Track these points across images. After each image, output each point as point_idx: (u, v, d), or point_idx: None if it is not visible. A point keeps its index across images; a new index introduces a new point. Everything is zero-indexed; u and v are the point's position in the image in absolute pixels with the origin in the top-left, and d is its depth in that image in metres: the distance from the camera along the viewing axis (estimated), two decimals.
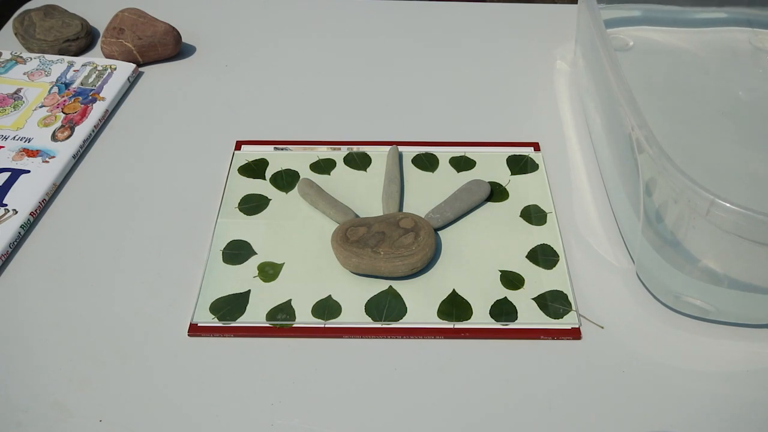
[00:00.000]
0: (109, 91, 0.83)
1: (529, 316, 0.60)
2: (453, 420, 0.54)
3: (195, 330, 0.59)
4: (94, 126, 0.79)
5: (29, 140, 0.76)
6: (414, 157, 0.75)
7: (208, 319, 0.60)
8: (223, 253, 0.65)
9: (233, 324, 0.59)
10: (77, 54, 0.91)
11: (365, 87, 0.86)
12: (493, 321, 0.60)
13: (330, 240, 0.66)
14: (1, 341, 0.59)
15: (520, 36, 0.94)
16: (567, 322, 0.60)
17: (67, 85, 0.84)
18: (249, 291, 0.62)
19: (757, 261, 0.53)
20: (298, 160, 0.75)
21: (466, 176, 0.73)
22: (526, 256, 0.65)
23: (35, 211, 0.69)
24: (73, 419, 0.54)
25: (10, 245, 0.66)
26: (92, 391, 0.56)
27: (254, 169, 0.74)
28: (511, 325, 0.60)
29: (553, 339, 0.59)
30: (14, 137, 0.77)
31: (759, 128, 0.77)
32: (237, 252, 0.65)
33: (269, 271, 0.64)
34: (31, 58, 0.88)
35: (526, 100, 0.84)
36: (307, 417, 0.54)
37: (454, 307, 0.61)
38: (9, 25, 0.94)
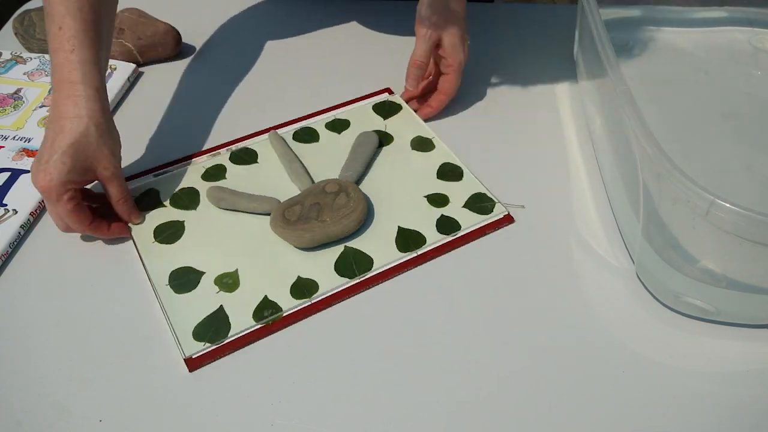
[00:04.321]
0: (109, 91, 0.82)
1: (468, 220, 0.68)
2: (454, 419, 0.54)
3: (193, 364, 0.57)
4: None
5: (29, 140, 0.77)
6: (294, 134, 0.78)
7: (200, 348, 0.58)
8: (170, 286, 0.63)
9: (227, 341, 0.59)
10: None
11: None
12: (444, 236, 0.67)
13: (271, 228, 0.67)
14: (1, 341, 0.59)
15: (520, 36, 0.94)
16: (498, 213, 0.69)
17: None
18: (221, 306, 0.61)
19: (757, 261, 0.53)
20: (186, 178, 0.73)
21: (348, 135, 0.78)
22: (437, 177, 0.73)
23: (35, 211, 0.69)
24: (73, 419, 0.54)
25: (10, 245, 0.66)
26: (92, 391, 0.56)
27: (147, 199, 0.71)
28: (459, 233, 0.67)
29: (495, 230, 0.67)
30: (14, 137, 0.77)
31: (759, 128, 0.77)
32: (184, 279, 0.64)
33: (228, 282, 0.63)
34: (31, 58, 0.88)
35: (525, 101, 0.84)
36: (307, 417, 0.54)
37: (408, 239, 0.67)
38: (9, 25, 0.94)
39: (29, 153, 0.75)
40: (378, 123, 0.80)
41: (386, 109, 0.81)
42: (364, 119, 0.80)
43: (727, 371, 0.57)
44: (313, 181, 0.72)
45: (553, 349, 0.58)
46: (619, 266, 0.65)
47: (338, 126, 0.79)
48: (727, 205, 0.49)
